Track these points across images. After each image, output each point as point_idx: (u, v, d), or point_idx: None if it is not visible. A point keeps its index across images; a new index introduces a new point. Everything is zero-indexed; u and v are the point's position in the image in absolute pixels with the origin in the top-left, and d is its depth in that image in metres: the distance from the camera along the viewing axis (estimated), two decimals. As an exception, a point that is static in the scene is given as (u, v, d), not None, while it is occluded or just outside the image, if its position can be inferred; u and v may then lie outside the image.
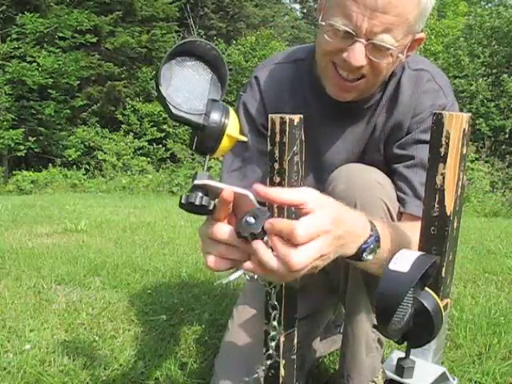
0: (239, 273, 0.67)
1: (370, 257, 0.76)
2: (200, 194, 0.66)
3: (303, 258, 0.61)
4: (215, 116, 0.70)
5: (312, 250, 0.62)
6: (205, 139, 0.71)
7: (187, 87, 0.72)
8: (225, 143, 0.71)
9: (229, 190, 0.66)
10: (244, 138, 0.74)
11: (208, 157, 0.72)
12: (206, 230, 0.69)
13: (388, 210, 0.97)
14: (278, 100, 1.11)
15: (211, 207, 0.67)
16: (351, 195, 0.95)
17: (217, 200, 0.68)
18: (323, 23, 0.94)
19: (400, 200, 1.02)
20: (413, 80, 1.05)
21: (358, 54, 0.91)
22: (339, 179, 0.99)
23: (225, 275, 0.69)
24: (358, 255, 0.75)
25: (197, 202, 0.66)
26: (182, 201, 0.66)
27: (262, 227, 0.64)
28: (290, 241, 0.61)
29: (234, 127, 0.72)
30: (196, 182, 0.67)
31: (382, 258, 0.78)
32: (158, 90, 0.68)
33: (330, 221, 0.64)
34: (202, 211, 0.68)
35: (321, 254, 0.63)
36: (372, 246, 0.75)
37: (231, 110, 0.73)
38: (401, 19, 0.89)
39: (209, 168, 0.72)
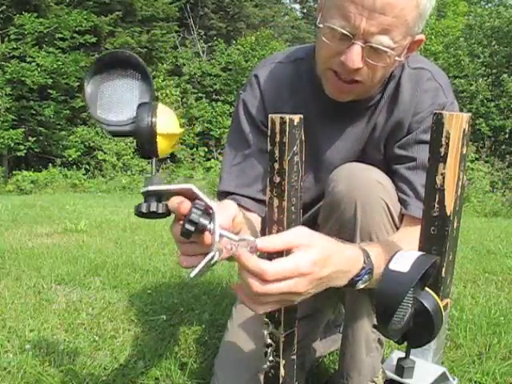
0: (200, 266, 0.67)
1: (362, 286, 0.80)
2: (152, 201, 0.68)
3: (268, 289, 0.65)
4: (142, 119, 0.70)
5: (279, 288, 0.65)
6: (141, 144, 0.71)
7: (116, 99, 0.72)
8: (162, 142, 0.71)
9: (174, 194, 0.67)
10: (180, 130, 0.74)
11: (154, 160, 0.72)
12: (172, 230, 0.71)
13: (388, 209, 0.97)
14: (277, 99, 1.11)
15: (160, 211, 0.68)
16: (351, 195, 0.95)
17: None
18: (321, 25, 0.94)
19: (401, 202, 1.02)
20: (413, 79, 1.05)
21: (355, 57, 0.91)
22: (339, 178, 0.99)
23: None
24: (350, 285, 0.78)
25: (144, 210, 0.67)
26: (136, 212, 0.68)
27: (194, 222, 0.65)
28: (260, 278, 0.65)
29: (166, 124, 0.71)
30: (142, 189, 0.68)
31: (377, 280, 0.80)
32: (89, 113, 0.70)
33: (309, 264, 0.66)
34: (157, 216, 0.69)
35: (294, 292, 0.67)
36: (364, 277, 0.78)
37: (160, 107, 0.72)
38: (399, 21, 0.88)
39: (158, 170, 0.73)
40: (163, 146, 0.71)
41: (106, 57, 0.71)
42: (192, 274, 0.67)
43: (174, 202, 0.68)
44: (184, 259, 0.70)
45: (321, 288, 0.71)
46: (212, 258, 0.66)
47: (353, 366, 1.07)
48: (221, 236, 0.66)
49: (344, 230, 0.97)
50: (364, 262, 0.77)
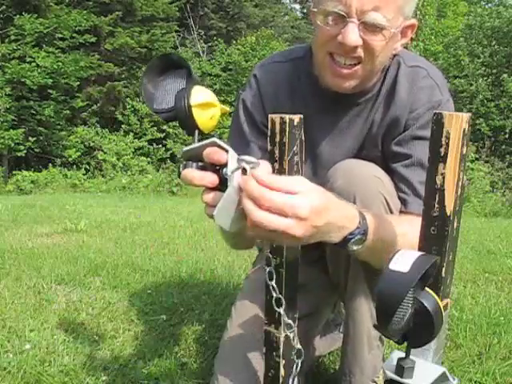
0: (220, 202, 0.69)
1: (355, 247, 0.80)
2: (189, 163, 0.74)
3: (262, 219, 0.65)
4: (180, 99, 0.78)
5: (273, 222, 0.65)
6: (183, 121, 0.78)
7: (168, 93, 0.83)
8: (199, 113, 0.77)
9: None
10: (215, 100, 0.79)
11: (196, 132, 0.79)
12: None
13: (387, 203, 0.98)
14: (276, 98, 1.12)
15: (195, 169, 0.74)
16: (350, 189, 0.96)
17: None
18: (315, 9, 0.96)
19: (401, 200, 1.03)
20: (409, 76, 1.06)
21: (351, 34, 0.92)
22: (338, 174, 0.99)
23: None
24: (343, 244, 0.78)
25: (181, 170, 0.74)
26: (177, 175, 0.75)
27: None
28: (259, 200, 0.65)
29: (198, 95, 0.77)
30: (184, 149, 0.76)
31: (370, 246, 0.82)
32: (148, 107, 0.84)
33: (308, 209, 0.66)
34: None
35: (290, 233, 0.66)
36: (358, 237, 0.79)
37: (195, 88, 0.79)
38: None
39: (199, 140, 0.78)
40: (201, 118, 0.77)
41: (159, 60, 0.84)
42: (215, 212, 0.69)
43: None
44: (208, 209, 0.72)
45: (315, 239, 0.72)
46: (231, 194, 0.68)
47: (355, 363, 1.07)
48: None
49: None
50: (359, 223, 0.79)
